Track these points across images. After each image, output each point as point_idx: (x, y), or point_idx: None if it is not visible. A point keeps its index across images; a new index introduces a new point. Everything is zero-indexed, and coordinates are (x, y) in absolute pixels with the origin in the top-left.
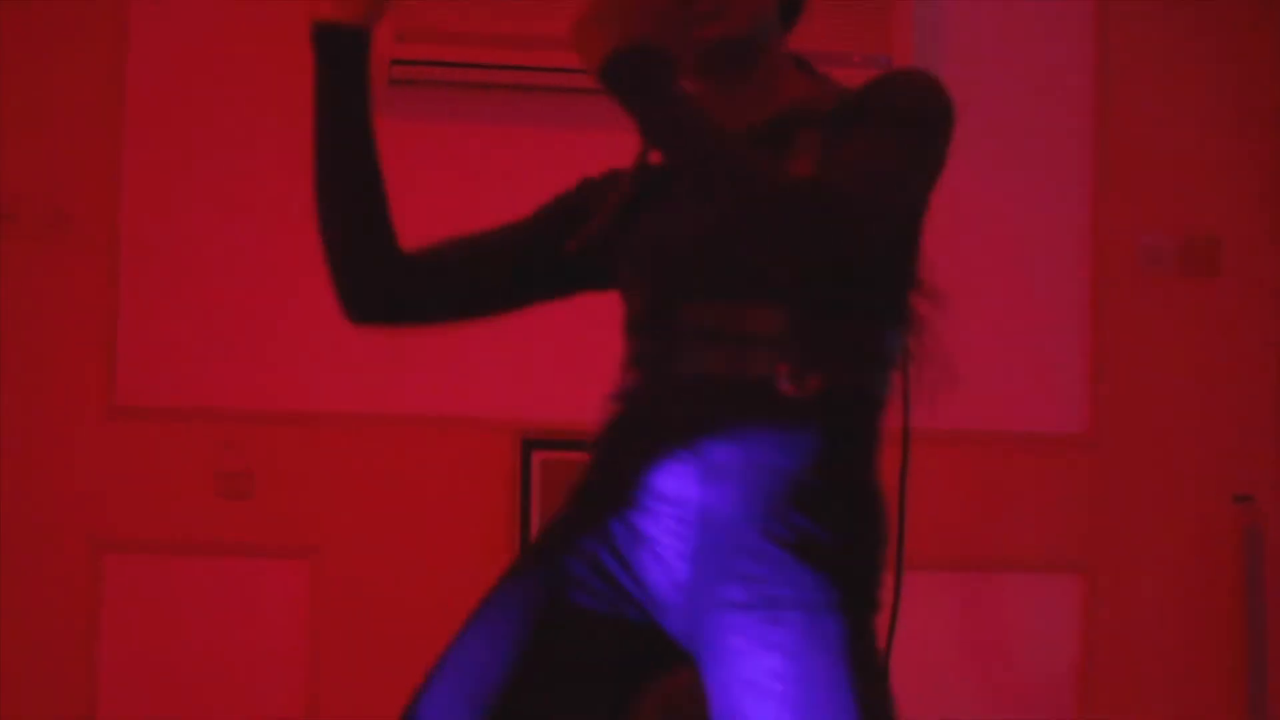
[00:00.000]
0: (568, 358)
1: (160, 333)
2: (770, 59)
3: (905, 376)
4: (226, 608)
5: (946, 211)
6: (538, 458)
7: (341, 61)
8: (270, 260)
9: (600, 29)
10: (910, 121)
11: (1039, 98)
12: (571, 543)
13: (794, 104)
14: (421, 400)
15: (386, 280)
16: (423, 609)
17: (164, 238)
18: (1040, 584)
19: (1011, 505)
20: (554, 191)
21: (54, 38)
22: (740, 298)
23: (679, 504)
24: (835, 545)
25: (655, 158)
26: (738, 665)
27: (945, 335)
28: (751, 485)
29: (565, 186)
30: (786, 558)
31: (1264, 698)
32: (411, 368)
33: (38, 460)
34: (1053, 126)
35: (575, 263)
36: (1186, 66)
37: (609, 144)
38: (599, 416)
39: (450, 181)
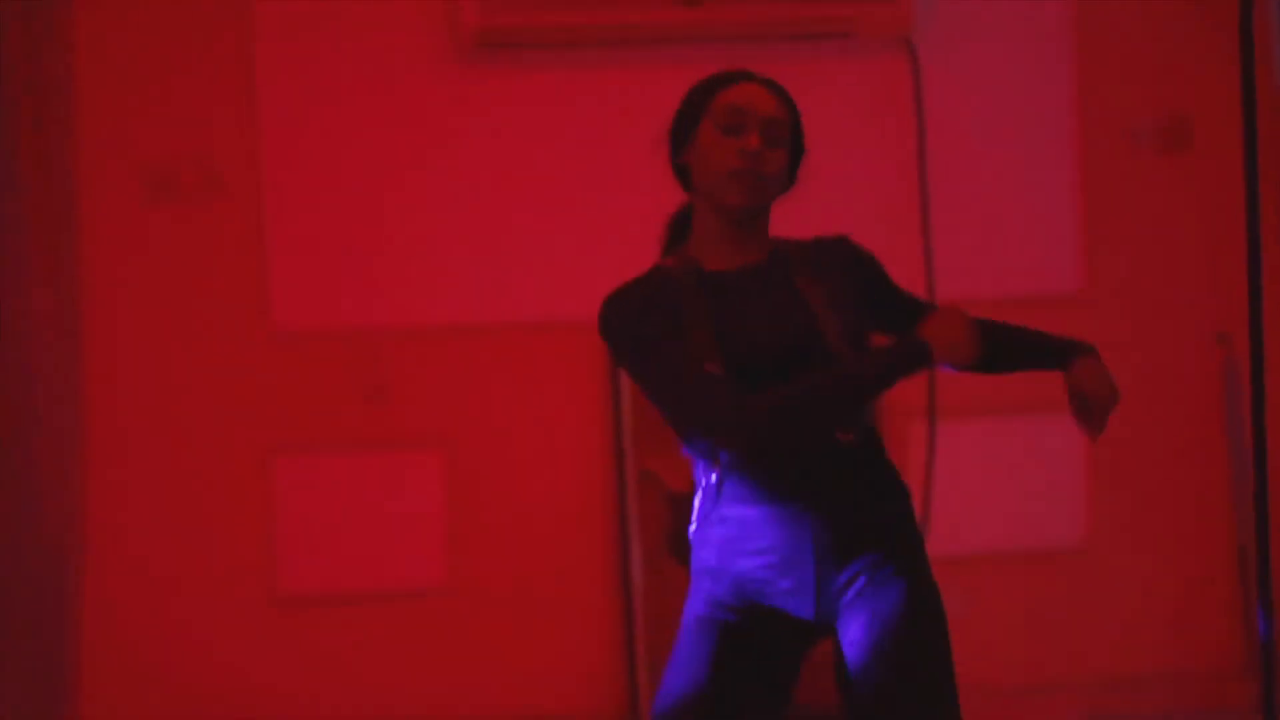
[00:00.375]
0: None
1: (306, 265)
2: (762, 221)
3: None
4: (377, 494)
5: (954, 109)
6: None
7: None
8: (393, 203)
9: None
10: None
11: (1026, 11)
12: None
13: (778, 247)
14: (524, 309)
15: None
16: (535, 486)
17: (299, 192)
18: (1046, 423)
19: None
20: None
21: (186, 21)
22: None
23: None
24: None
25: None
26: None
27: (956, 215)
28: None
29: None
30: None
31: (1247, 502)
32: (514, 283)
33: (212, 382)
34: (1037, 33)
35: None
36: None
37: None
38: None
39: (535, 124)
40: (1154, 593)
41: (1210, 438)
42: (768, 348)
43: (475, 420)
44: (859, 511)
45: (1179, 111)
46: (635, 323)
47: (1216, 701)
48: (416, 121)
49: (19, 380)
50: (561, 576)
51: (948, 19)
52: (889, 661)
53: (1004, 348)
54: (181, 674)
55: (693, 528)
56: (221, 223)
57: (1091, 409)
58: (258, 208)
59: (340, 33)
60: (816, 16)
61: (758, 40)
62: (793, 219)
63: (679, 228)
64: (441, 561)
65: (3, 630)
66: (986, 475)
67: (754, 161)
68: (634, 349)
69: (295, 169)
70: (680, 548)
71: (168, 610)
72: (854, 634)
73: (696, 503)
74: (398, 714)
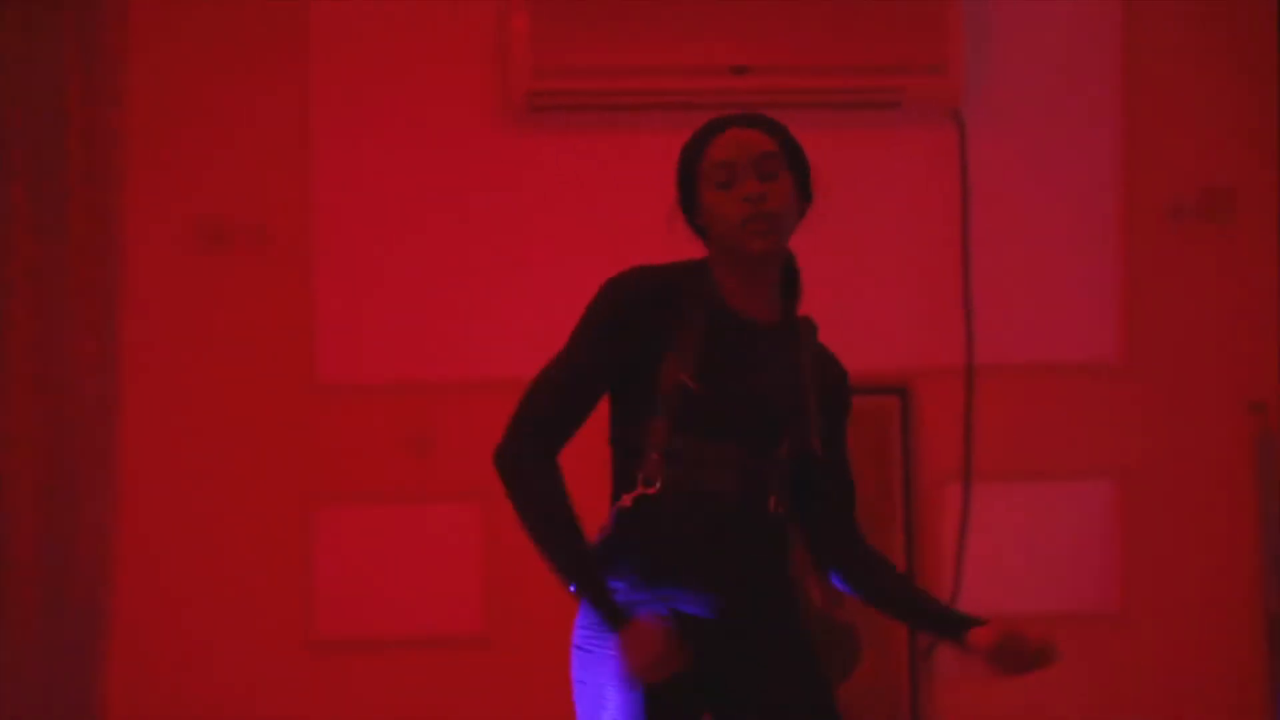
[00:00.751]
0: None
1: (352, 319)
2: (775, 270)
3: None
4: (416, 544)
5: (999, 179)
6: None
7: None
8: (437, 259)
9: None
10: None
11: (1071, 77)
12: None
13: (795, 318)
14: None
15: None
16: None
17: (348, 247)
18: (1081, 489)
19: (1058, 422)
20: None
21: (239, 76)
22: (767, 450)
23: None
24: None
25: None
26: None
27: (998, 282)
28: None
29: (606, 305)
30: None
31: (1276, 568)
32: (556, 339)
33: (256, 431)
34: (1083, 105)
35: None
36: (1202, 38)
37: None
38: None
39: (584, 185)
40: (1184, 658)
41: (1243, 506)
42: (754, 400)
43: None
44: (761, 579)
45: (1221, 184)
46: (610, 310)
47: None
48: (465, 180)
49: (59, 425)
50: None
51: (996, 91)
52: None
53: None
54: (213, 716)
55: None
56: (269, 275)
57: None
58: (305, 261)
59: (393, 91)
60: (866, 86)
61: (806, 108)
62: (838, 282)
63: None
64: (479, 611)
65: (36, 677)
66: (1020, 539)
67: (759, 204)
68: (581, 327)
69: (344, 224)
70: None
71: (203, 653)
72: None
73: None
74: None
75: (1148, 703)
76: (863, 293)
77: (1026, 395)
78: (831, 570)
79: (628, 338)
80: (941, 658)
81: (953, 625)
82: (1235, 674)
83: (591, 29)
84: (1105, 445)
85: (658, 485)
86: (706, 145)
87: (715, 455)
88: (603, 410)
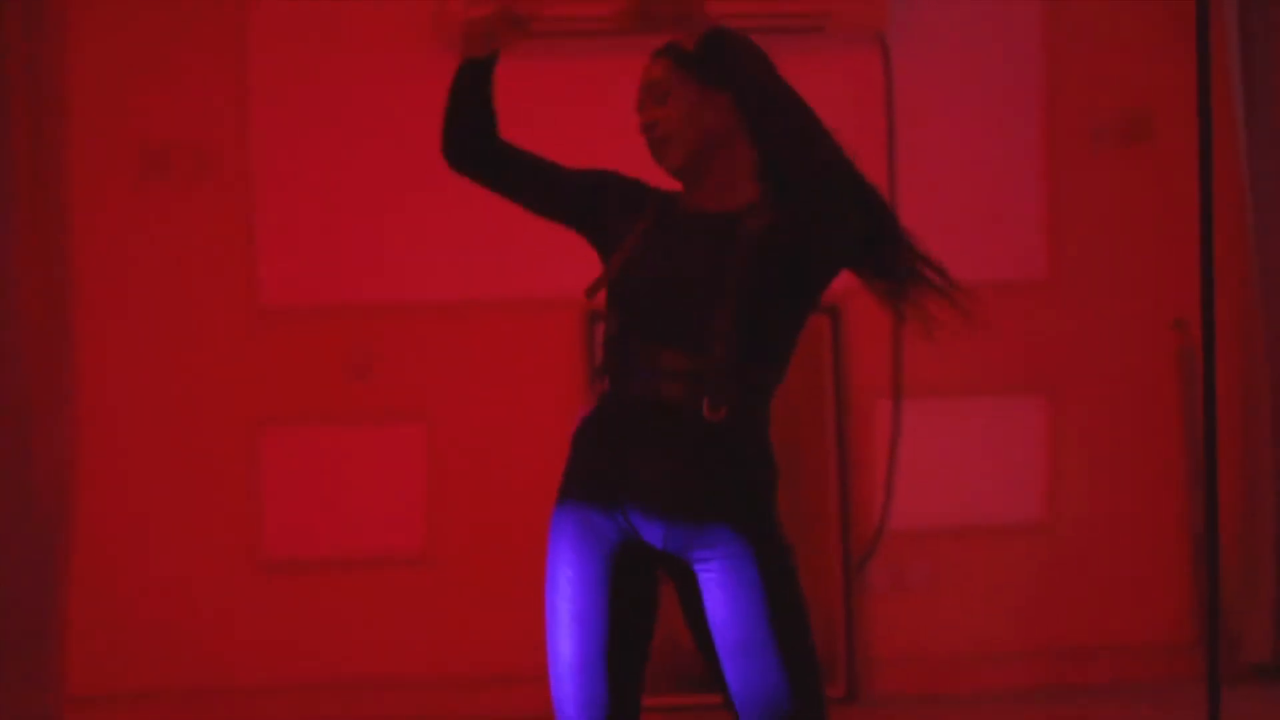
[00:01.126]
0: None
1: (292, 242)
2: (724, 164)
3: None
4: (361, 465)
5: (924, 102)
6: (601, 329)
7: (479, 67)
8: (376, 183)
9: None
10: None
11: (994, 1)
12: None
13: (737, 210)
14: (503, 287)
15: (480, 143)
16: (513, 458)
17: (287, 172)
18: (1008, 403)
19: (985, 339)
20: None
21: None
22: (679, 345)
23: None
24: (741, 509)
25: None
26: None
27: (925, 204)
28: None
29: (604, 165)
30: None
31: (1199, 478)
32: (494, 261)
33: (201, 356)
34: (1007, 29)
35: (583, 226)
36: None
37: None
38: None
39: (517, 108)
40: (1110, 568)
41: (1166, 419)
42: (652, 283)
43: (456, 395)
44: (709, 481)
45: (1140, 107)
46: (610, 172)
47: (1166, 670)
48: (402, 104)
49: (10, 355)
50: (535, 545)
51: (920, 15)
52: (744, 633)
53: None
54: (169, 636)
55: None
56: (211, 203)
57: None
58: (247, 188)
59: (331, 20)
60: (792, 11)
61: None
62: None
63: None
64: (422, 531)
65: None
66: (950, 453)
67: (646, 130)
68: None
69: (283, 151)
70: None
71: (156, 574)
72: (711, 602)
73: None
74: (374, 675)
75: (1073, 612)
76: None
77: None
78: None
79: (599, 196)
80: (874, 573)
81: None
82: (1160, 583)
83: None
84: (1032, 361)
85: (605, 382)
86: None
87: (642, 354)
88: None
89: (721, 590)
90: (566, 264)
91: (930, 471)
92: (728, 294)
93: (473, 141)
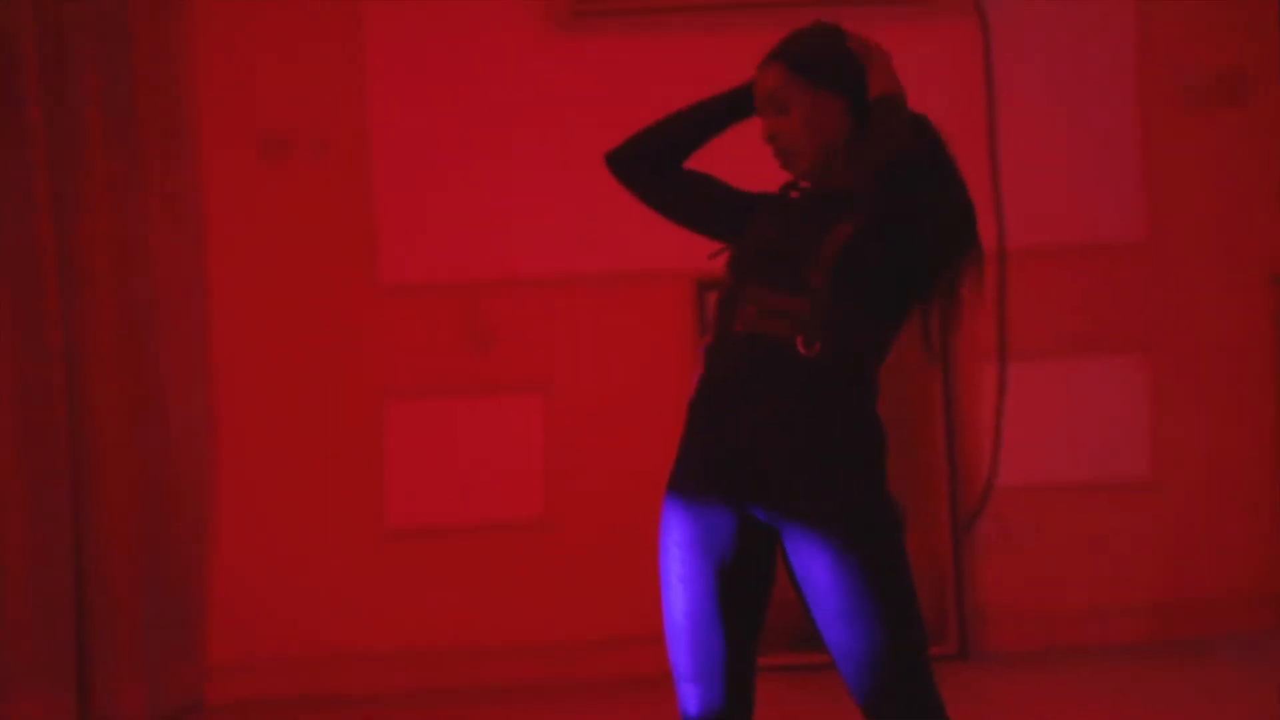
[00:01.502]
0: None
1: (412, 222)
2: (841, 167)
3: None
4: (481, 435)
5: (1022, 68)
6: (711, 297)
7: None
8: (492, 162)
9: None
10: None
11: None
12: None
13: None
14: (617, 261)
15: (657, 173)
16: (627, 426)
17: (405, 154)
18: (1113, 363)
19: (1086, 301)
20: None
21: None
22: (781, 287)
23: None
24: (840, 459)
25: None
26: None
27: (1025, 168)
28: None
29: (757, 188)
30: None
31: None
32: (608, 236)
33: (325, 331)
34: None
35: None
36: None
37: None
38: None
39: (626, 87)
40: (1215, 523)
41: (1265, 375)
42: (759, 240)
43: (573, 364)
44: (790, 433)
45: (1234, 67)
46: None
47: (1275, 622)
48: (515, 86)
49: (150, 333)
50: (652, 510)
51: None
52: (842, 601)
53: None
54: (297, 603)
55: None
56: (332, 184)
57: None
58: (366, 170)
59: (445, 4)
60: None
61: (834, 5)
62: None
63: None
64: (540, 498)
65: (142, 562)
66: (1055, 413)
67: (771, 142)
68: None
69: (401, 132)
70: None
71: (285, 543)
72: (804, 565)
73: None
74: (495, 640)
75: (1181, 567)
76: None
77: (1055, 276)
78: None
79: (749, 217)
80: (982, 531)
81: None
82: (1260, 538)
83: None
84: (1134, 321)
85: (711, 332)
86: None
87: (746, 297)
88: None
89: (819, 557)
90: (678, 237)
91: (1036, 431)
92: (831, 251)
93: (655, 168)
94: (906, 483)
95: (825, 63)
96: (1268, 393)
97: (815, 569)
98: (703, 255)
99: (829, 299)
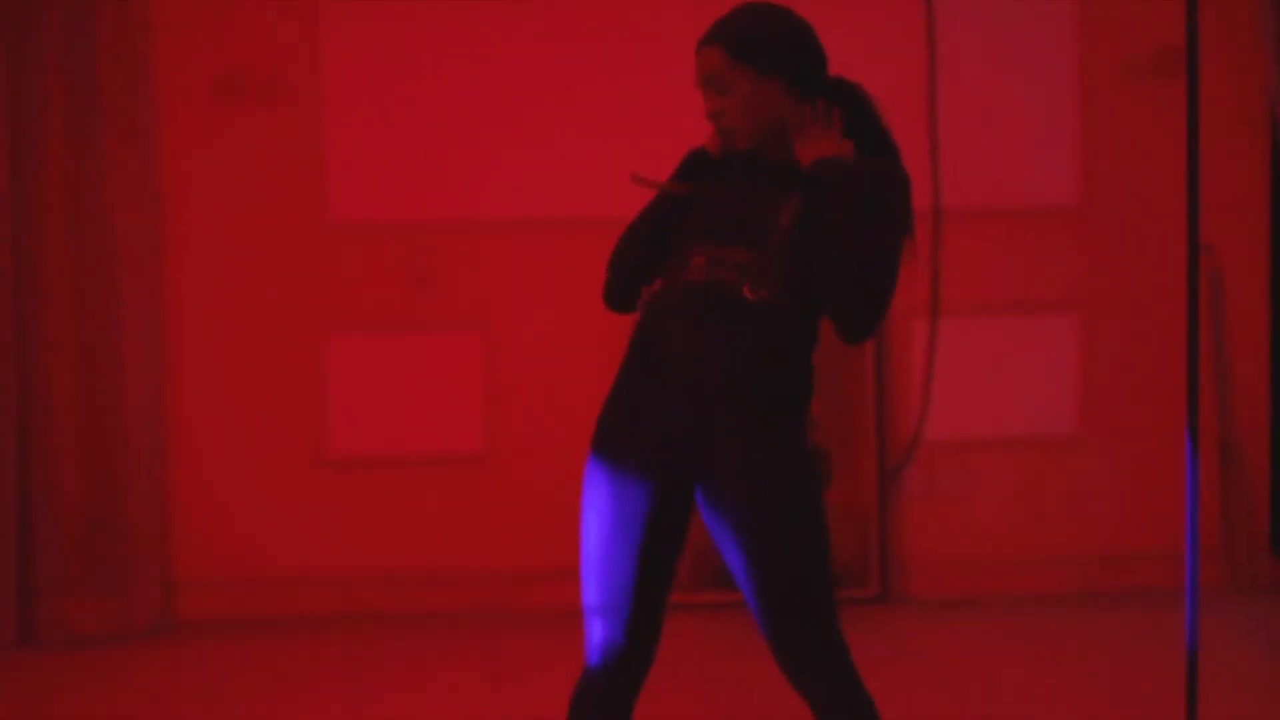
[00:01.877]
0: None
1: (360, 162)
2: (781, 144)
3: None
4: (421, 370)
5: (964, 37)
6: None
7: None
8: (439, 107)
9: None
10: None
11: None
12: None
13: (793, 166)
14: (555, 207)
15: (637, 295)
16: (563, 365)
17: (354, 97)
18: (1044, 323)
19: (1020, 262)
20: None
21: None
22: (737, 243)
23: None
24: (781, 398)
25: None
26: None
27: (963, 133)
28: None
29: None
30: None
31: (1227, 393)
32: (547, 182)
33: (274, 267)
34: None
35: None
36: None
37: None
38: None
39: (577, 43)
40: (1139, 479)
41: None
42: (713, 203)
43: (512, 304)
44: (727, 368)
45: (1173, 42)
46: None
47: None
48: (463, 32)
49: (107, 259)
50: (585, 446)
51: None
52: (749, 541)
53: None
54: (247, 527)
55: None
56: (283, 124)
57: None
58: (316, 111)
59: None
60: None
61: None
62: None
63: None
64: (479, 430)
65: (93, 485)
66: (985, 369)
67: (713, 120)
68: None
69: (351, 76)
70: None
71: (236, 469)
72: (719, 502)
73: None
74: (432, 567)
75: (1103, 521)
76: None
77: (990, 237)
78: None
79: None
80: (908, 482)
81: None
82: (1180, 495)
83: None
84: (1065, 283)
85: (659, 280)
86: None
87: (699, 250)
88: None
89: (734, 494)
90: (617, 183)
91: (966, 386)
92: (786, 221)
93: (639, 291)
94: (835, 434)
95: (762, 45)
96: (1201, 355)
97: (729, 506)
98: (640, 202)
99: (781, 256)
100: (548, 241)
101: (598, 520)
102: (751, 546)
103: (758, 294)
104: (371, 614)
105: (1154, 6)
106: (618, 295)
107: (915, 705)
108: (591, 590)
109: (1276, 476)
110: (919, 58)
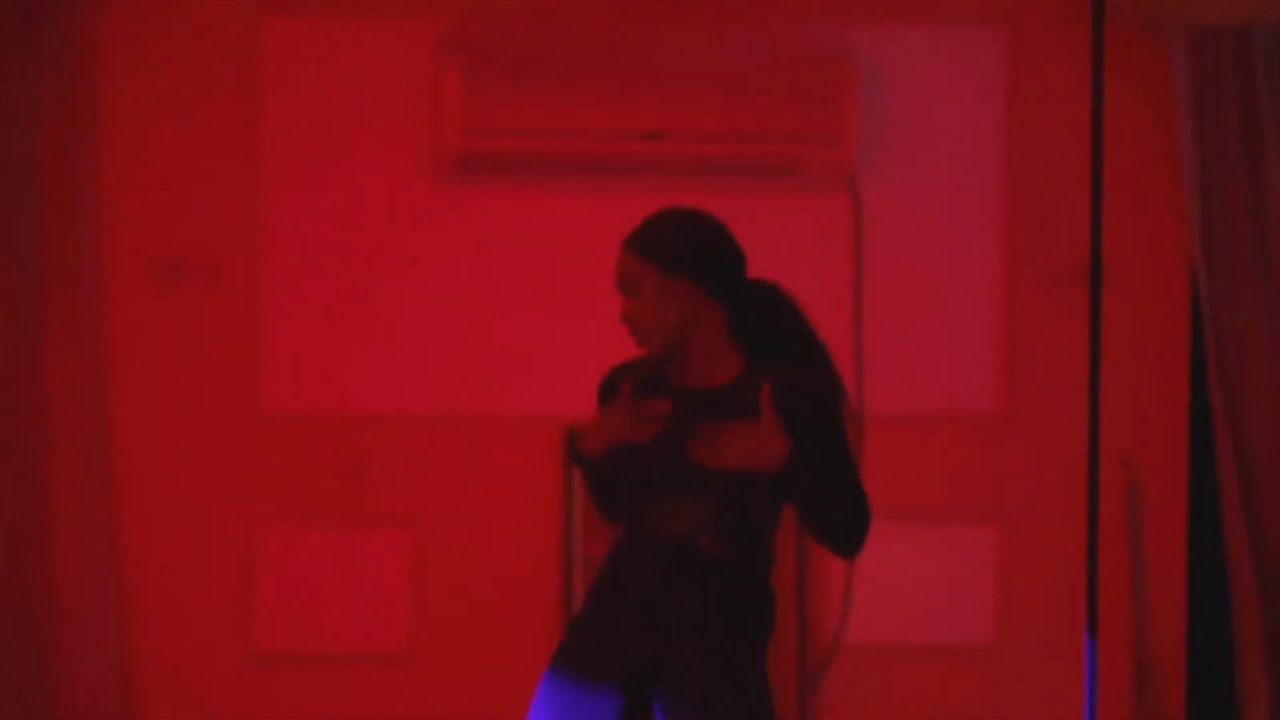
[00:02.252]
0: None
1: (295, 355)
2: (702, 342)
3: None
4: (349, 565)
5: (891, 240)
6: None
7: (602, 469)
8: (374, 302)
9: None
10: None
11: (960, 148)
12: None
13: (726, 386)
14: (489, 403)
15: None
16: (492, 563)
17: (293, 288)
18: (959, 531)
19: (939, 469)
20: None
21: (198, 128)
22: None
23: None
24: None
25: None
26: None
27: (889, 337)
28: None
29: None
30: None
31: (1144, 609)
32: (481, 378)
33: (205, 456)
34: (970, 176)
35: None
36: (1081, 115)
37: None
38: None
39: (509, 236)
40: (1056, 693)
41: (1113, 552)
42: (654, 468)
43: (441, 501)
44: (687, 608)
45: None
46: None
47: None
48: (402, 229)
49: (37, 435)
50: (512, 646)
51: (887, 160)
52: None
53: None
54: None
55: None
56: (220, 312)
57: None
58: (253, 299)
59: (338, 145)
60: (766, 153)
61: (712, 172)
62: None
63: None
64: (404, 628)
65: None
66: (906, 573)
67: (626, 323)
68: None
69: (289, 266)
70: None
71: (153, 659)
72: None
73: None
74: None
75: None
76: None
77: (913, 443)
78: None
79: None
80: (829, 683)
81: None
82: (1104, 712)
83: (519, 93)
84: (986, 491)
85: (621, 527)
86: None
87: (649, 502)
88: None
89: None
90: (549, 382)
91: (885, 593)
92: (726, 460)
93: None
94: None
95: (670, 248)
96: (1120, 568)
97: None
98: (570, 402)
99: (729, 500)
100: (478, 438)
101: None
102: None
103: (713, 549)
104: None
105: (1077, 220)
106: (612, 520)
107: None
108: None
109: (1192, 697)
110: (846, 262)
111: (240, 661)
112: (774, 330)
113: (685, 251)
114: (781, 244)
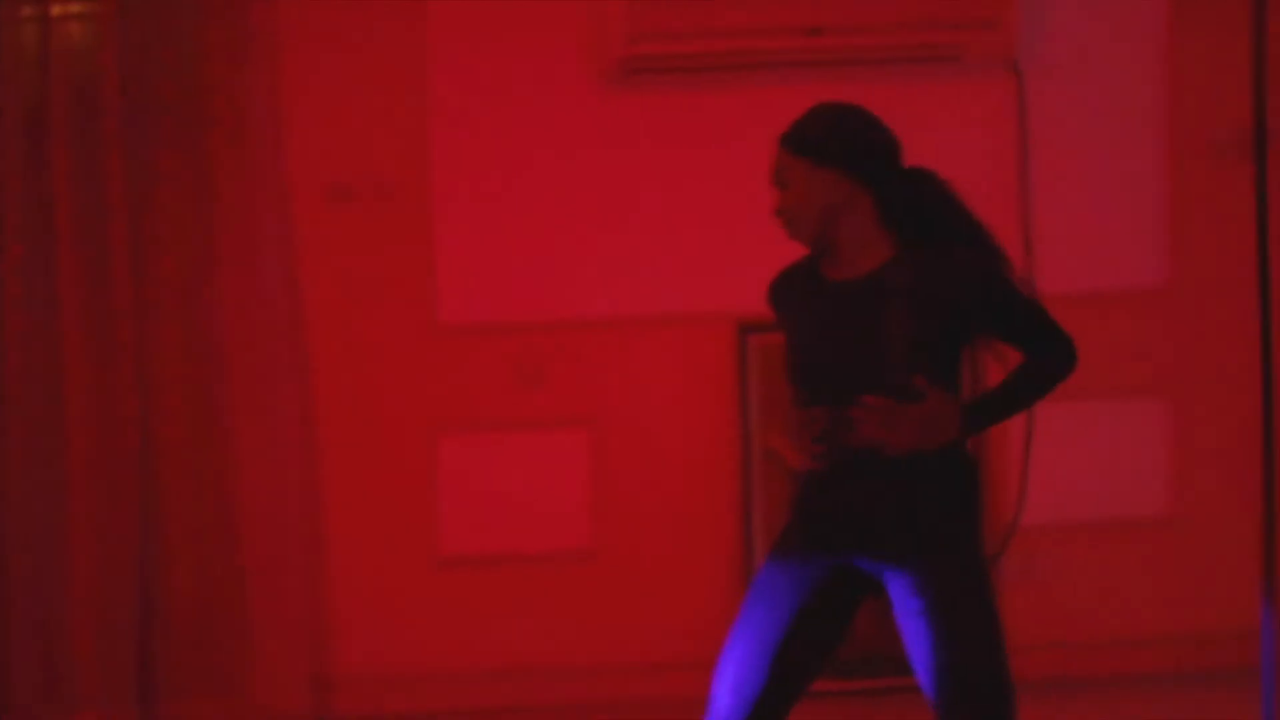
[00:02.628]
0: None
1: (470, 267)
2: (850, 228)
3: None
4: (530, 468)
5: (1054, 123)
6: (752, 340)
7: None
8: (546, 209)
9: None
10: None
11: (1120, 27)
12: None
13: (877, 272)
14: (662, 304)
15: None
16: (671, 461)
17: (464, 200)
18: (1133, 405)
19: (1109, 345)
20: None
21: (367, 52)
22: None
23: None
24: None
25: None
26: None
27: (1055, 218)
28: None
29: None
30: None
31: None
32: (652, 280)
33: (386, 368)
34: (1132, 53)
35: None
36: None
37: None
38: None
39: (675, 139)
40: (1234, 558)
41: None
42: (826, 367)
43: (619, 402)
44: (890, 506)
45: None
46: (771, 307)
47: None
48: (568, 137)
49: (207, 360)
50: (692, 541)
51: (1050, 42)
52: (936, 646)
53: None
54: (360, 623)
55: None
56: (395, 228)
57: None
58: (426, 214)
59: (502, 58)
60: (928, 41)
61: (873, 64)
62: None
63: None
64: (587, 528)
65: (209, 582)
66: (1079, 452)
67: (778, 216)
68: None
69: (460, 181)
70: None
71: (349, 567)
72: (908, 598)
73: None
74: (542, 663)
75: (1198, 602)
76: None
77: (1082, 320)
78: None
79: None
80: (1007, 564)
81: None
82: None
83: None
84: (1153, 365)
85: (821, 444)
86: None
87: (826, 406)
88: None
89: (925, 592)
90: (721, 280)
91: (1061, 470)
92: (898, 353)
93: None
94: None
95: (816, 140)
96: None
97: (919, 601)
98: (741, 299)
99: (911, 392)
100: (653, 339)
101: (758, 605)
102: (942, 633)
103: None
104: (483, 710)
105: (1242, 87)
106: None
107: None
108: (723, 689)
109: None
110: (1011, 144)
111: (427, 565)
112: (927, 214)
113: (831, 143)
114: (946, 131)
